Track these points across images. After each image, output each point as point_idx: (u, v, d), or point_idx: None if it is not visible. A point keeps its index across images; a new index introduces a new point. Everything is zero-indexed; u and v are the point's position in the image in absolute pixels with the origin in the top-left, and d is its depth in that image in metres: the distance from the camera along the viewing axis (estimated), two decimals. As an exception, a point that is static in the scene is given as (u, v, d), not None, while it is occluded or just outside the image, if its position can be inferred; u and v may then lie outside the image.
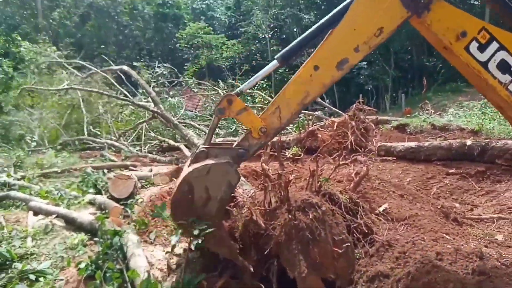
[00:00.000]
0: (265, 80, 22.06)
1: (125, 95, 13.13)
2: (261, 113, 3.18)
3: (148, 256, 3.86)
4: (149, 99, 11.26)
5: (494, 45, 2.92)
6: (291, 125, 13.14)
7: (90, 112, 13.75)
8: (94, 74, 13.89)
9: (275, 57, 3.19)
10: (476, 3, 23.97)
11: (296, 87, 3.07)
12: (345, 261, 3.40)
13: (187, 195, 3.10)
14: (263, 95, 16.10)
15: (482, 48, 2.92)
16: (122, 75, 14.27)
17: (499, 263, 3.16)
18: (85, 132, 12.73)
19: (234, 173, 3.12)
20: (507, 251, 3.66)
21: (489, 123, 8.24)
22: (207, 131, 12.73)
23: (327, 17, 3.11)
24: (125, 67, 12.80)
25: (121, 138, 12.67)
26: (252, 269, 3.35)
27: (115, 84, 13.61)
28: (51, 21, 31.59)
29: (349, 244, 3.44)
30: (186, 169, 3.18)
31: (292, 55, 3.18)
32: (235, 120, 14.29)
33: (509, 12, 3.10)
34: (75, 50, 27.64)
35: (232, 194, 3.51)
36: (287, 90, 3.10)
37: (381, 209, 4.30)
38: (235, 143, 3.24)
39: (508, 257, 3.40)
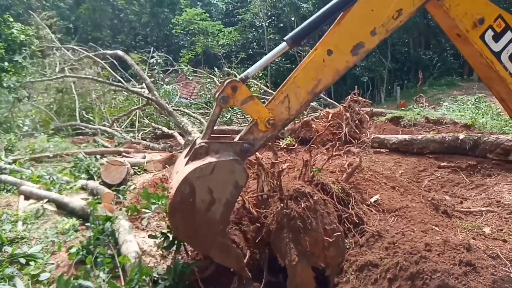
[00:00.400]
0: (261, 69, 21.96)
1: (119, 81, 12.99)
2: (267, 103, 2.87)
3: (140, 243, 3.88)
4: (144, 85, 11.14)
5: (509, 35, 2.81)
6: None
7: (82, 96, 13.57)
8: (87, 58, 13.67)
9: (284, 38, 2.85)
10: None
11: (307, 73, 2.77)
12: (336, 250, 3.44)
13: (188, 198, 2.68)
14: (259, 84, 16.03)
15: (497, 37, 2.80)
16: (115, 61, 14.09)
17: (485, 255, 3.22)
18: (78, 118, 12.59)
19: (242, 171, 2.76)
20: (494, 243, 3.73)
21: (482, 117, 8.30)
22: (203, 121, 12.61)
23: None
24: (120, 52, 12.61)
25: (115, 124, 12.56)
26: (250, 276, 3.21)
27: (108, 69, 13.42)
28: (44, 2, 30.92)
29: (340, 233, 3.48)
30: (184, 167, 2.77)
31: (303, 37, 2.83)
32: (230, 108, 14.26)
33: None
34: (69, 33, 27.17)
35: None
36: (296, 77, 2.78)
37: (372, 200, 4.34)
38: (238, 136, 2.89)
39: (495, 249, 3.47)
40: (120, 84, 12.47)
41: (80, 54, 13.84)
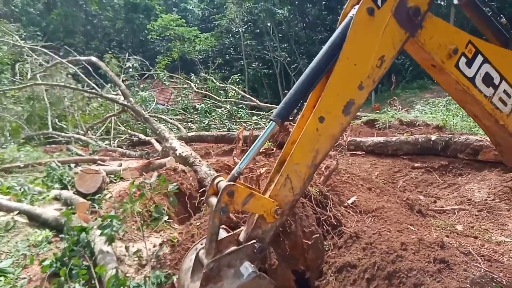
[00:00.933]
0: (238, 74, 22.02)
1: (93, 88, 12.70)
2: (269, 191, 2.59)
3: (118, 252, 3.79)
4: (119, 91, 10.93)
5: (479, 59, 2.80)
6: (264, 120, 13.22)
7: (55, 104, 13.17)
8: (60, 65, 13.31)
9: (271, 118, 2.60)
10: (442, 3, 24.80)
11: (303, 147, 2.57)
12: (315, 252, 3.47)
13: None
14: (236, 89, 16.06)
15: (469, 63, 2.77)
16: (89, 66, 13.79)
17: (458, 252, 3.32)
18: (50, 126, 12.21)
19: (269, 284, 2.49)
20: (466, 240, 3.87)
21: (453, 119, 8.61)
22: (181, 127, 12.49)
23: (319, 59, 2.63)
24: (93, 58, 12.35)
25: (89, 132, 12.27)
26: None
27: (82, 75, 13.11)
28: (13, 7, 29.99)
29: (318, 235, 3.51)
30: None
31: (291, 111, 2.59)
32: (208, 114, 14.24)
33: (479, 14, 3.06)
34: (40, 39, 26.37)
35: None
36: (293, 154, 2.57)
37: (349, 201, 4.41)
38: (243, 234, 2.62)
39: (467, 246, 3.59)
40: (94, 91, 12.20)
41: (53, 60, 13.45)
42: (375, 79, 2.58)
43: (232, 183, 2.47)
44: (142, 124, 11.49)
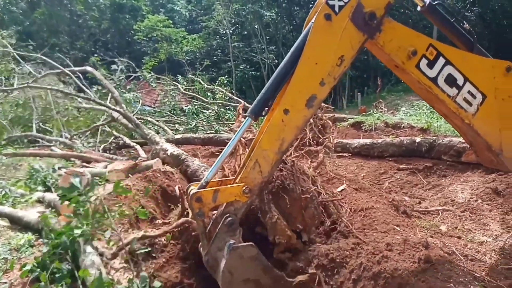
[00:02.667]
0: (226, 76, 21.96)
1: (85, 94, 12.42)
2: (241, 174, 2.92)
3: (102, 254, 3.72)
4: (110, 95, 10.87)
5: (441, 61, 3.00)
6: (254, 123, 13.19)
7: (42, 109, 12.79)
8: (45, 67, 13.04)
9: (247, 114, 2.98)
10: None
11: (270, 136, 2.88)
12: (312, 211, 3.60)
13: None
14: (224, 91, 16.02)
15: (431, 64, 2.99)
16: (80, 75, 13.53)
17: (442, 252, 3.38)
18: (34, 129, 11.87)
19: (249, 248, 2.79)
20: (450, 240, 3.93)
21: (437, 121, 8.74)
22: (167, 129, 12.27)
23: (288, 57, 2.94)
24: (88, 68, 12.28)
25: (76, 138, 11.95)
26: None
27: (78, 81, 12.74)
28: (-5, 6, 29.38)
29: (314, 194, 3.66)
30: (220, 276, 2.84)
31: (263, 107, 2.94)
32: (195, 116, 14.15)
33: (441, 20, 3.29)
34: (22, 39, 25.83)
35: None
36: (262, 141, 2.89)
37: (338, 189, 4.45)
38: (218, 212, 2.98)
39: (451, 246, 3.65)
40: (87, 96, 11.92)
41: (45, 70, 13.14)
42: (335, 76, 2.88)
43: (196, 190, 2.80)
44: (133, 129, 11.32)
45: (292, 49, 2.92)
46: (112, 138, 12.05)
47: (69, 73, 12.54)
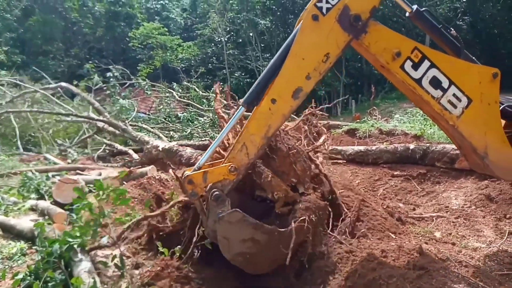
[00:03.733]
0: (221, 83, 21.99)
1: (64, 109, 12.20)
2: (227, 154, 3.20)
3: (96, 262, 3.68)
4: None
5: (426, 63, 3.17)
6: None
7: (23, 127, 12.54)
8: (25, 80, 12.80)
9: (240, 103, 3.26)
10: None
11: (258, 122, 3.14)
12: (302, 165, 3.78)
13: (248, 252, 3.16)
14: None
15: (415, 66, 3.15)
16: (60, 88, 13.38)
17: (437, 258, 3.39)
18: (20, 147, 11.60)
19: (235, 214, 3.08)
20: (444, 246, 3.95)
21: (430, 128, 8.82)
22: (162, 136, 12.13)
23: (279, 52, 3.18)
24: (63, 84, 12.22)
25: (68, 148, 11.78)
26: None
27: (53, 98, 12.40)
28: (-12, 14, 29.30)
29: (300, 149, 3.83)
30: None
31: (257, 96, 3.18)
32: (190, 123, 14.13)
33: (429, 26, 3.43)
34: (16, 46, 25.75)
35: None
36: (249, 126, 3.15)
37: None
38: (208, 187, 3.20)
39: (445, 252, 3.67)
40: (69, 112, 11.70)
41: (22, 89, 12.90)
42: (321, 71, 3.12)
43: (188, 173, 3.12)
44: (121, 135, 11.23)
45: (283, 47, 3.16)
46: (104, 146, 11.92)
47: (44, 92, 12.35)
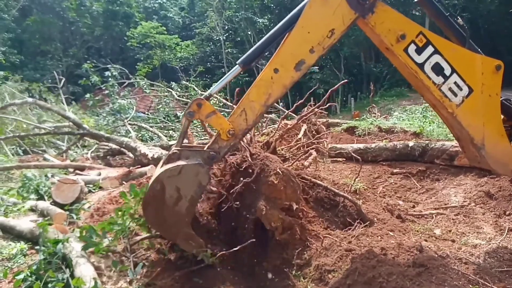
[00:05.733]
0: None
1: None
2: (228, 117, 3.30)
3: (97, 262, 3.68)
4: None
5: (430, 49, 3.20)
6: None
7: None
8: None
9: (237, 62, 3.32)
10: (417, 13, 25.63)
11: (259, 89, 3.21)
12: (291, 188, 3.93)
13: (158, 194, 3.18)
14: (218, 97, 15.99)
15: (419, 50, 3.19)
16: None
17: (436, 255, 3.40)
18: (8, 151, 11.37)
19: (205, 173, 3.21)
20: (444, 243, 3.96)
21: (429, 125, 8.82)
22: (161, 135, 12.09)
23: (282, 22, 3.25)
24: (29, 99, 11.95)
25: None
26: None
27: (24, 121, 11.99)
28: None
29: (289, 172, 4.00)
30: (158, 169, 3.30)
31: (253, 59, 3.30)
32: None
33: (436, 12, 3.45)
34: (14, 46, 25.66)
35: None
36: (250, 93, 3.22)
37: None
38: (206, 146, 3.34)
39: (445, 249, 3.67)
40: (48, 131, 11.26)
41: None
42: (325, 46, 3.18)
43: (202, 98, 3.26)
44: (105, 141, 11.02)
45: (288, 16, 3.23)
46: (96, 146, 11.81)
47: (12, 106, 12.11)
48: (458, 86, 3.27)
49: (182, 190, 3.19)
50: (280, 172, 3.88)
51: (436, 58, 3.20)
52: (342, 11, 3.12)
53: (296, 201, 3.97)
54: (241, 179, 3.91)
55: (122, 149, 10.23)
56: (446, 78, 3.25)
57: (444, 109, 3.35)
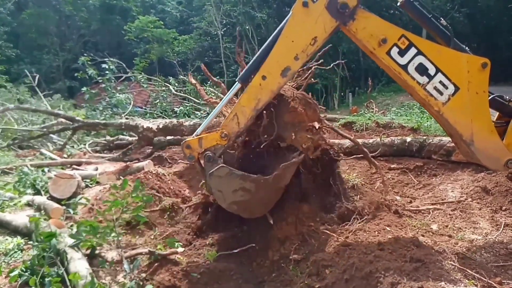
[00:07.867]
0: (218, 77, 21.89)
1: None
2: (223, 122, 3.59)
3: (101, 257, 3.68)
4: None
5: (413, 51, 3.30)
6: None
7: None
8: None
9: (236, 79, 3.64)
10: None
11: (249, 96, 3.48)
12: (311, 108, 4.17)
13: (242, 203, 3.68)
14: (216, 92, 15.94)
15: (402, 52, 3.31)
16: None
17: (433, 250, 3.41)
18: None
19: (222, 168, 3.51)
20: (441, 238, 3.97)
21: (427, 121, 8.83)
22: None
23: (272, 35, 3.48)
24: (11, 106, 11.92)
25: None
26: None
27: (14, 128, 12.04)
28: (-19, 7, 28.91)
29: (304, 97, 4.23)
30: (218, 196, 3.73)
31: (250, 74, 3.52)
32: (187, 117, 14.07)
33: (419, 15, 3.55)
34: (10, 40, 25.45)
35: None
36: (241, 99, 3.50)
37: None
38: (203, 149, 3.60)
39: (441, 244, 3.69)
40: (43, 131, 11.24)
41: None
42: (308, 53, 3.42)
43: (185, 140, 3.57)
44: (104, 129, 10.96)
45: (276, 31, 3.48)
46: (91, 141, 11.75)
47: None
48: (443, 85, 3.35)
49: (234, 186, 3.56)
50: (297, 97, 4.08)
51: (420, 59, 3.30)
52: (323, 20, 3.29)
53: (318, 120, 4.21)
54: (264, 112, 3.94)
55: (122, 131, 10.16)
56: (430, 77, 3.34)
57: (431, 107, 3.43)
